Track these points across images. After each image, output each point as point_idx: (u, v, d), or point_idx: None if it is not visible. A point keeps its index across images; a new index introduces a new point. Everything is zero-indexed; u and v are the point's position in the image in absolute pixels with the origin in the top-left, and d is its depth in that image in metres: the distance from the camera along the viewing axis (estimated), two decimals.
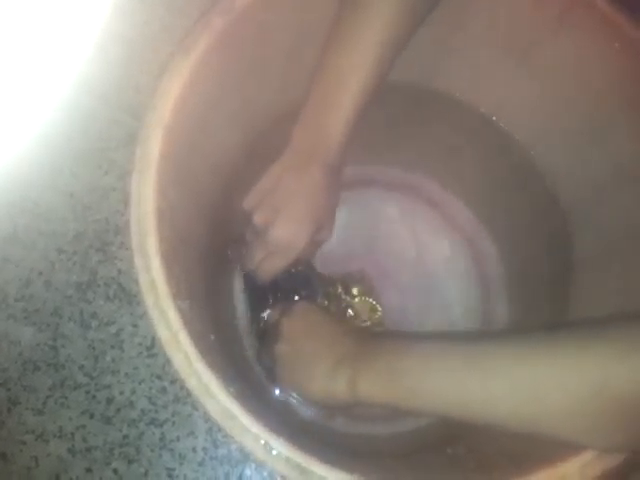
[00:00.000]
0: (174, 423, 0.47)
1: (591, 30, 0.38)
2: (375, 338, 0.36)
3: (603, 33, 0.37)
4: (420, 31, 0.37)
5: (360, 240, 0.52)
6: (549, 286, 0.47)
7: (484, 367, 0.29)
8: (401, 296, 0.50)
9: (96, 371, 0.48)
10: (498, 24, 0.41)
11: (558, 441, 0.28)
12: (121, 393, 0.48)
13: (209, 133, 0.39)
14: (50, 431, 0.47)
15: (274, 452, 0.27)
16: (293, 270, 0.43)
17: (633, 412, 0.25)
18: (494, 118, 0.46)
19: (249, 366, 0.45)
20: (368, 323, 0.47)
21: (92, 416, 0.47)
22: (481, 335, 0.48)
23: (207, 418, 0.46)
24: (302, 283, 0.45)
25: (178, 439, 0.47)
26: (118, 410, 0.47)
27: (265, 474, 0.46)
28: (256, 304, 0.45)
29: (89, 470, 0.46)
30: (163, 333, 0.29)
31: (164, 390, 0.48)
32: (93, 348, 0.49)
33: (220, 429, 0.28)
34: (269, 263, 0.41)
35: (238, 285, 0.48)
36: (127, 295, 0.50)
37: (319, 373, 0.35)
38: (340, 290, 0.47)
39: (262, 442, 0.28)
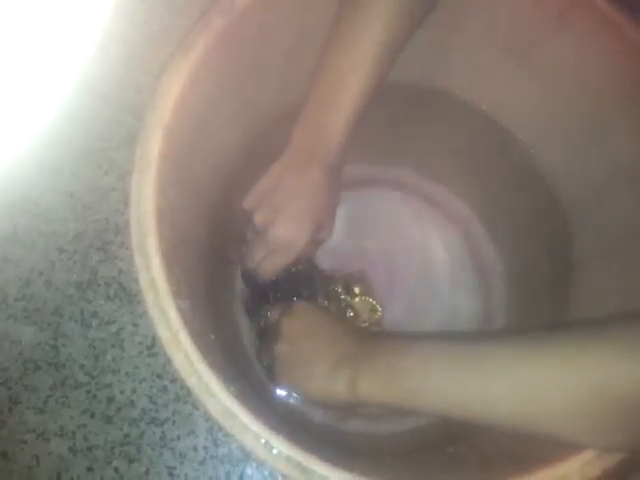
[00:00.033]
0: (175, 422, 0.47)
1: (591, 30, 0.38)
2: (375, 338, 0.36)
3: (603, 33, 0.37)
4: (420, 31, 0.37)
5: (360, 240, 0.52)
6: (549, 286, 0.47)
7: (484, 367, 0.29)
8: (401, 296, 0.50)
9: (97, 370, 0.48)
10: (498, 24, 0.41)
11: (558, 441, 0.28)
12: (122, 392, 0.48)
13: (209, 133, 0.39)
14: (51, 430, 0.47)
15: (275, 451, 0.27)
16: (293, 269, 0.43)
17: (633, 412, 0.25)
18: (494, 117, 0.46)
19: (249, 365, 0.45)
20: (366, 324, 0.47)
21: (93, 415, 0.47)
22: (481, 335, 0.48)
23: (208, 417, 0.46)
24: (302, 282, 0.45)
25: (179, 438, 0.47)
26: (119, 409, 0.47)
27: (266, 473, 0.46)
28: (256, 303, 0.45)
29: (90, 469, 0.46)
30: (163, 332, 0.29)
31: (165, 389, 0.48)
32: (94, 347, 0.49)
33: (221, 428, 0.28)
34: (269, 262, 0.41)
35: (238, 284, 0.48)
36: (127, 294, 0.50)
37: (319, 373, 0.35)
38: (340, 290, 0.47)
39: (262, 441, 0.28)
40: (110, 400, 0.48)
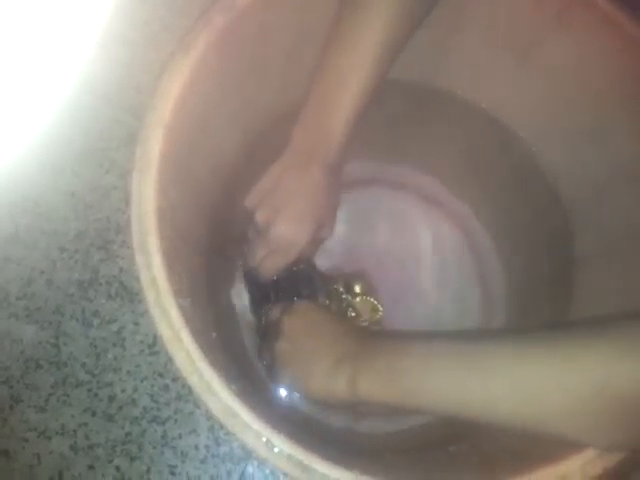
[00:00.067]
0: (176, 421, 0.47)
1: (591, 29, 0.37)
2: (375, 337, 0.36)
3: (603, 32, 0.37)
4: (420, 31, 0.37)
5: (361, 239, 0.52)
6: (549, 286, 0.47)
7: (484, 367, 0.29)
8: (402, 296, 0.50)
9: (98, 369, 0.48)
10: (498, 24, 0.41)
11: (559, 440, 0.28)
12: (123, 391, 0.48)
13: (209, 133, 0.39)
14: (52, 429, 0.47)
15: (276, 449, 0.28)
16: (294, 268, 0.43)
17: (634, 411, 0.25)
18: (495, 116, 0.46)
19: (250, 364, 0.45)
20: (367, 323, 0.47)
21: (94, 414, 0.47)
22: (481, 335, 0.48)
23: (209, 416, 0.46)
24: (303, 282, 0.45)
25: (180, 437, 0.47)
26: (120, 408, 0.47)
27: (267, 471, 0.46)
28: (257, 302, 0.45)
29: (91, 467, 0.46)
30: (165, 331, 0.29)
31: (166, 388, 0.48)
32: (95, 346, 0.49)
33: (222, 427, 0.28)
34: (271, 261, 0.41)
35: (239, 283, 0.48)
36: (129, 293, 0.50)
37: (319, 372, 0.35)
38: (341, 289, 0.47)
39: (264, 439, 0.28)
40: (111, 399, 0.48)
